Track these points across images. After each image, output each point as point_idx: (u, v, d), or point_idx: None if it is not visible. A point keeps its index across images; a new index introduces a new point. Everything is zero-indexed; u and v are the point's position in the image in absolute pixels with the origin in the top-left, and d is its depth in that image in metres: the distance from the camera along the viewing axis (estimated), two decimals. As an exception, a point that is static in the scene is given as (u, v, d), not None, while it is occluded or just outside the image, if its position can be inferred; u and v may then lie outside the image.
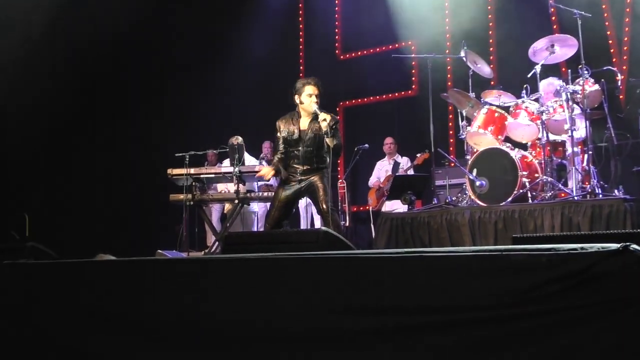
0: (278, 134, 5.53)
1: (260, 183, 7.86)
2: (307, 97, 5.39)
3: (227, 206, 8.23)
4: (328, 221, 5.23)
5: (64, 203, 9.23)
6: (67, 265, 2.83)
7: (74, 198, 9.28)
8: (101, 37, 9.31)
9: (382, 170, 8.94)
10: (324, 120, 5.21)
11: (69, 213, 9.09)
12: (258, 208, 8.76)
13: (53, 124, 9.38)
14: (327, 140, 5.19)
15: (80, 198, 9.27)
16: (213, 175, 7.44)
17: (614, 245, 1.72)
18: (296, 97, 5.47)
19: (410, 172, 8.16)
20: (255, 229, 8.47)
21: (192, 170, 7.15)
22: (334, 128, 5.25)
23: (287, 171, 5.47)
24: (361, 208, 9.96)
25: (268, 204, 8.97)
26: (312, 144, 5.37)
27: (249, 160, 8.03)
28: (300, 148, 5.40)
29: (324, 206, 5.29)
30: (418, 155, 7.12)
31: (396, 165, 8.79)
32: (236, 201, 7.22)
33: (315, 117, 5.37)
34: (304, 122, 5.47)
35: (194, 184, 7.16)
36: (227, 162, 7.93)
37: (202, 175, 7.29)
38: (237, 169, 7.03)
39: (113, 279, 2.61)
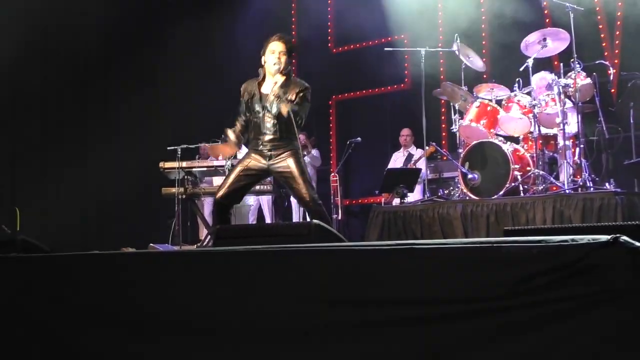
0: (241, 99, 4.89)
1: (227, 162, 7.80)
2: (270, 55, 4.72)
3: (220, 200, 8.21)
4: (316, 213, 4.59)
5: (55, 196, 9.19)
6: (58, 259, 2.82)
7: (65, 191, 9.25)
8: (92, 29, 9.27)
9: (396, 162, 8.86)
10: (275, 83, 4.65)
11: (60, 207, 9.06)
12: (252, 201, 8.76)
13: (44, 117, 9.34)
14: (281, 106, 4.55)
15: (71, 191, 9.23)
16: (205, 169, 7.42)
17: (604, 237, 1.73)
18: (262, 57, 4.81)
19: (422, 163, 8.11)
20: (248, 221, 8.47)
21: (184, 164, 7.13)
22: (300, 96, 4.64)
23: (251, 143, 4.81)
24: (353, 201, 9.97)
25: (259, 197, 9.01)
26: (275, 111, 4.65)
27: (242, 153, 8.01)
28: (261, 114, 4.71)
29: (307, 197, 4.63)
30: (426, 148, 7.14)
31: (409, 156, 8.72)
32: (229, 194, 7.20)
33: (286, 81, 4.72)
34: (268, 85, 4.76)
35: (186, 177, 7.14)
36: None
37: (194, 169, 7.27)
38: (229, 163, 7.02)
39: (104, 273, 2.60)
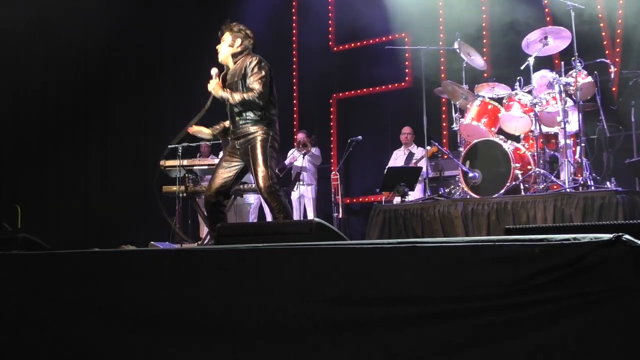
0: None
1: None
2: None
3: (220, 198, 8.22)
4: (269, 203, 4.60)
5: (56, 194, 9.20)
6: (59, 256, 2.82)
7: (66, 189, 9.26)
8: (92, 28, 9.27)
9: (397, 160, 8.84)
10: (210, 77, 4.63)
11: (61, 204, 9.06)
12: (253, 199, 8.76)
13: (45, 115, 9.34)
14: (231, 99, 4.57)
15: (72, 189, 9.24)
16: (206, 167, 7.43)
17: (606, 236, 1.72)
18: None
19: (423, 162, 8.12)
20: (249, 220, 8.47)
21: (185, 162, 7.13)
22: (252, 73, 4.56)
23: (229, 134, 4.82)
24: (354, 200, 9.97)
25: (260, 196, 9.00)
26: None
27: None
28: (226, 105, 4.75)
29: (261, 183, 4.52)
30: (428, 147, 7.14)
31: (410, 155, 8.70)
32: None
33: (236, 65, 4.71)
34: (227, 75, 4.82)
35: (186, 175, 7.15)
36: (220, 154, 7.91)
37: (195, 167, 7.28)
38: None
39: (104, 270, 2.60)
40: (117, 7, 9.31)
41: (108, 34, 9.56)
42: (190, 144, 7.41)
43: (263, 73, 4.62)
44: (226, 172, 4.74)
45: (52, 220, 8.58)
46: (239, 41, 4.78)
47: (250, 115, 4.64)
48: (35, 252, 3.05)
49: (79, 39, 9.27)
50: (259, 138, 4.61)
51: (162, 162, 7.17)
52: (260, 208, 9.30)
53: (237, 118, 4.68)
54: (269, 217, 9.05)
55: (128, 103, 9.66)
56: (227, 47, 4.76)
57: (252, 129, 4.64)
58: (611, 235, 1.72)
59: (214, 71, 4.76)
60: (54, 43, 9.21)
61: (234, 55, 4.74)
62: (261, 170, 4.56)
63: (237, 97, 4.58)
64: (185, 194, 7.18)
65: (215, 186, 4.72)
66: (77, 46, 9.34)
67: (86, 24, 9.24)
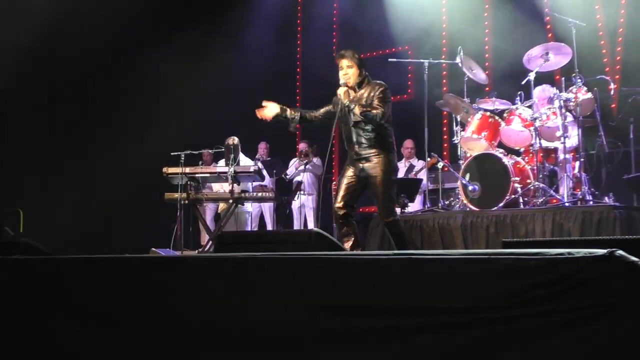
0: (330, 107, 5.12)
1: (255, 183, 7.89)
2: (340, 72, 4.98)
3: (221, 206, 8.26)
4: (387, 226, 4.86)
5: (59, 200, 9.22)
6: (60, 262, 2.84)
7: (68, 195, 9.28)
8: (96, 34, 9.31)
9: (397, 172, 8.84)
10: (339, 95, 4.84)
11: (63, 210, 9.09)
12: (252, 208, 8.79)
13: (48, 120, 9.38)
14: (354, 112, 4.78)
15: (74, 195, 9.26)
16: (208, 175, 7.47)
17: (600, 251, 1.75)
18: None
19: (423, 174, 8.11)
20: (248, 228, 8.49)
21: (187, 170, 7.16)
22: (378, 97, 4.81)
23: (348, 156, 5.02)
24: (355, 210, 9.97)
25: (261, 205, 9.03)
26: (352, 121, 4.87)
27: (244, 160, 8.06)
28: (347, 127, 4.92)
29: (380, 208, 4.86)
30: (428, 159, 7.17)
31: (410, 167, 8.73)
32: (230, 201, 7.25)
33: (360, 89, 4.94)
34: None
35: (188, 183, 7.18)
36: (222, 162, 7.95)
37: (197, 175, 7.31)
38: (232, 169, 7.06)
39: (105, 276, 2.63)
40: (122, 13, 9.36)
41: (112, 39, 9.61)
42: (193, 152, 7.44)
43: (387, 97, 4.92)
44: (351, 188, 4.95)
45: (55, 226, 8.60)
46: (362, 70, 5.00)
47: (373, 137, 4.86)
48: (36, 257, 3.08)
49: (83, 46, 9.31)
50: (382, 161, 4.84)
51: (164, 169, 7.21)
52: (261, 217, 9.32)
53: (357, 142, 4.90)
54: (269, 226, 9.08)
55: (132, 109, 9.69)
56: (354, 72, 4.94)
57: (377, 151, 4.86)
58: (605, 251, 1.75)
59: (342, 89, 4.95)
60: (59, 50, 9.25)
61: (351, 82, 4.95)
62: (383, 194, 4.85)
63: (359, 110, 4.80)
64: (187, 201, 7.21)
65: (343, 200, 4.94)
66: (81, 53, 9.38)
67: (90, 30, 9.28)
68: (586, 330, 1.73)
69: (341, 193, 4.92)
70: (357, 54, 5.02)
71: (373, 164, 4.84)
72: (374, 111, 4.79)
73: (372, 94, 4.86)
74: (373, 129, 4.85)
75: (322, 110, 5.17)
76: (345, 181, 4.95)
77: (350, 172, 4.96)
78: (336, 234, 7.43)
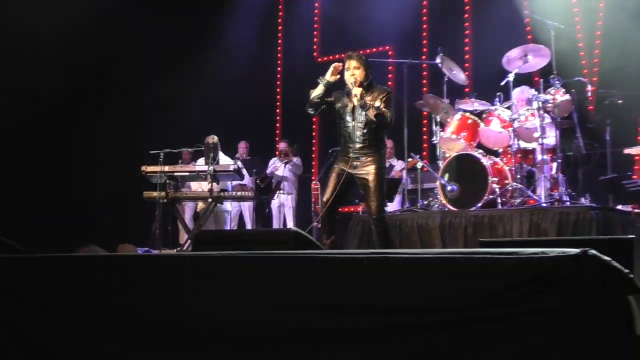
0: (331, 99, 5.20)
1: (234, 183, 7.86)
2: (347, 72, 5.09)
3: (200, 205, 8.22)
4: (376, 226, 5.00)
5: (35, 197, 9.12)
6: (33, 260, 2.81)
7: (45, 192, 9.18)
8: (77, 36, 9.21)
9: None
10: (355, 95, 4.94)
11: (40, 207, 8.99)
12: (231, 207, 8.75)
13: (25, 118, 9.27)
14: (368, 113, 4.92)
15: (51, 193, 9.17)
16: (187, 174, 7.43)
17: (574, 250, 1.76)
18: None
19: (402, 174, 8.15)
20: (227, 227, 8.46)
21: (166, 168, 7.12)
22: (384, 100, 4.97)
23: (341, 152, 5.17)
24: (334, 210, 9.98)
25: (241, 204, 9.01)
26: (363, 119, 5.00)
27: (224, 159, 8.03)
28: (351, 125, 5.05)
29: (373, 208, 4.98)
30: (409, 159, 7.20)
31: (390, 167, 8.75)
32: (209, 200, 7.22)
33: (368, 90, 5.05)
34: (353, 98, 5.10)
35: (167, 181, 7.13)
36: (201, 160, 7.92)
37: (176, 173, 7.27)
38: (211, 168, 7.03)
39: (80, 274, 2.60)
40: (102, 15, 9.29)
41: (93, 40, 9.52)
42: (172, 150, 7.40)
43: (392, 102, 5.11)
44: (340, 185, 5.06)
45: (32, 224, 8.50)
46: (368, 72, 5.14)
47: (374, 138, 5.03)
48: (9, 256, 3.04)
49: (65, 47, 9.20)
50: (378, 161, 5.03)
51: (143, 168, 7.16)
52: (241, 216, 9.29)
53: (360, 141, 5.03)
54: (249, 225, 9.05)
55: (112, 109, 9.61)
56: (361, 73, 5.06)
57: (375, 151, 5.04)
58: (578, 250, 1.76)
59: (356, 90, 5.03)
60: (39, 51, 9.14)
61: (363, 84, 5.05)
62: (376, 195, 5.00)
63: (373, 112, 4.94)
64: (165, 200, 7.16)
65: (332, 195, 5.06)
66: (61, 54, 9.26)
67: (72, 32, 9.17)
68: (560, 329, 1.74)
69: (331, 188, 5.05)
70: (364, 57, 5.21)
71: (369, 162, 5.00)
72: (387, 114, 4.99)
73: (379, 98, 5.02)
74: (376, 130, 5.01)
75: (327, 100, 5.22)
76: (335, 177, 5.06)
77: (340, 169, 5.08)
78: (315, 233, 7.44)
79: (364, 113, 4.96)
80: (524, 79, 6.86)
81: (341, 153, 5.16)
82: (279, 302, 2.11)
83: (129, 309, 2.37)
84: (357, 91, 4.96)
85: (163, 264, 2.48)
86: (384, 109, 4.96)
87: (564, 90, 6.19)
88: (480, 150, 6.39)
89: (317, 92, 5.18)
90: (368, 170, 4.98)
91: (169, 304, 2.28)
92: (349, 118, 5.07)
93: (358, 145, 5.02)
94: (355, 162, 5.02)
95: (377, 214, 4.99)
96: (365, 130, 5.00)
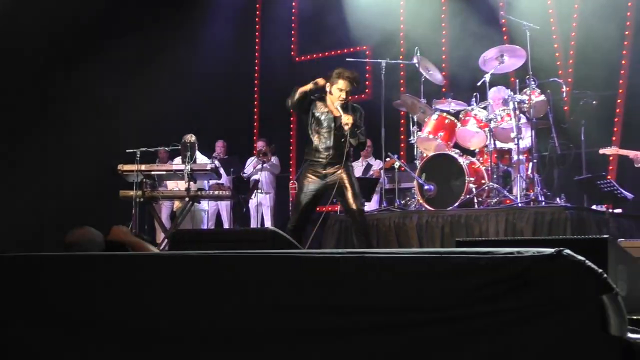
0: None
1: (211, 182, 7.82)
2: (338, 91, 5.26)
3: (177, 204, 8.17)
4: (356, 222, 5.26)
5: (10, 196, 8.99)
6: (6, 260, 2.77)
7: (20, 190, 9.05)
8: (50, 27, 9.10)
9: (354, 171, 8.85)
10: (346, 124, 5.14)
11: (15, 206, 8.86)
12: (208, 206, 8.71)
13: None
14: (351, 140, 5.19)
15: (27, 191, 9.05)
16: (164, 173, 7.37)
17: (548, 250, 1.77)
18: (328, 83, 5.33)
19: (380, 174, 8.18)
20: (205, 227, 8.42)
21: (142, 167, 7.06)
22: (357, 127, 5.26)
23: (310, 156, 5.39)
24: (312, 209, 9.98)
25: (218, 203, 8.97)
26: (335, 135, 5.29)
27: (201, 158, 7.98)
28: (326, 132, 5.32)
29: (354, 207, 5.24)
30: (387, 159, 7.22)
31: (368, 167, 8.77)
32: (186, 199, 7.17)
33: (347, 106, 5.32)
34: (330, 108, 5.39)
35: (144, 180, 7.07)
36: (178, 159, 7.87)
37: (153, 172, 7.21)
38: (188, 167, 6.99)
39: (54, 274, 2.57)
40: (78, 8, 9.18)
41: (68, 33, 9.41)
42: (149, 149, 7.34)
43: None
44: (311, 203, 5.39)
45: (5, 223, 8.38)
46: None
47: (342, 147, 5.26)
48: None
49: (38, 39, 9.09)
50: (348, 166, 5.36)
51: (120, 167, 7.09)
52: (218, 215, 9.25)
53: (332, 148, 5.29)
54: (226, 224, 9.02)
55: (88, 106, 9.51)
56: (342, 99, 5.28)
57: (343, 159, 5.29)
58: (553, 250, 1.78)
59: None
60: (12, 43, 9.02)
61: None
62: (354, 195, 5.33)
63: (357, 140, 5.33)
64: (142, 199, 7.10)
65: (300, 216, 5.37)
66: (35, 46, 9.15)
67: (45, 24, 9.06)
68: (534, 329, 1.75)
69: (300, 211, 5.29)
70: (358, 79, 5.53)
71: (341, 167, 5.23)
72: (365, 139, 5.51)
73: (356, 115, 5.28)
74: (350, 142, 5.23)
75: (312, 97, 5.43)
76: (305, 199, 5.27)
77: (312, 186, 5.28)
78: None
79: (347, 135, 5.16)
80: (500, 80, 6.92)
81: (312, 161, 5.34)
82: (254, 302, 2.10)
83: (104, 309, 2.35)
84: (348, 120, 5.13)
85: (136, 264, 2.46)
86: (361, 136, 5.30)
87: (539, 90, 6.26)
88: (457, 150, 6.44)
89: (306, 87, 5.33)
90: (341, 176, 5.21)
91: (133, 305, 2.26)
92: (326, 124, 5.29)
93: (332, 152, 5.27)
94: (325, 171, 5.26)
95: (359, 205, 5.24)
96: (340, 143, 5.24)
